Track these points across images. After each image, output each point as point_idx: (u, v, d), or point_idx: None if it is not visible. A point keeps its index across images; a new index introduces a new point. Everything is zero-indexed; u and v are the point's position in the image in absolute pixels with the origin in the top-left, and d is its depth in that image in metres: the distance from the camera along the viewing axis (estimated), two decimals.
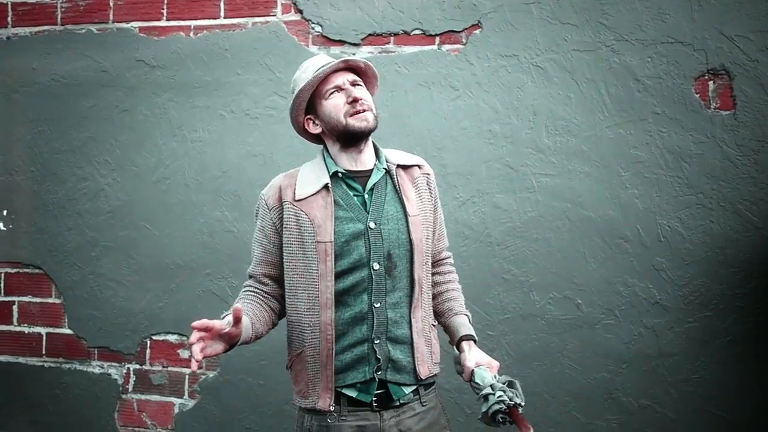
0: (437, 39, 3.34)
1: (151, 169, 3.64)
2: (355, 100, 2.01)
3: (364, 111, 2.02)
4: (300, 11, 3.48)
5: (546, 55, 3.24)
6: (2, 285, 3.84)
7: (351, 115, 2.01)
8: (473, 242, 3.29)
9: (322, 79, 2.05)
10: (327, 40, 3.45)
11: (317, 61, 2.09)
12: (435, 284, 2.23)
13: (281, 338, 3.38)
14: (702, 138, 3.10)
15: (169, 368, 3.63)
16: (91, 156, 3.71)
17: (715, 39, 3.09)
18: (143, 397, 3.67)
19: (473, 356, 2.05)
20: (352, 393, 1.98)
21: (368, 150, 2.10)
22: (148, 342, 3.65)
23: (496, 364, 2.04)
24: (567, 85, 3.22)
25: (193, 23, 3.60)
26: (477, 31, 3.30)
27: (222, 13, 3.57)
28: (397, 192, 2.06)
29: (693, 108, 3.11)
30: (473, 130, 3.31)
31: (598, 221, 3.20)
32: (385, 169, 2.09)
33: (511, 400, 1.85)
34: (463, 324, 2.16)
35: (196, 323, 1.73)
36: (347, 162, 2.07)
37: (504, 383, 1.92)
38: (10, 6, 3.81)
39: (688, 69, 3.12)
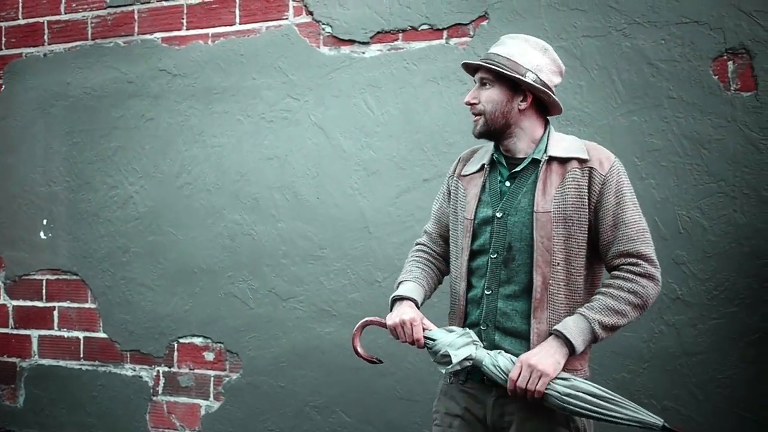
0: (445, 33, 3.28)
1: (175, 175, 3.72)
2: (467, 104, 2.03)
3: (475, 119, 2.01)
4: (311, 13, 3.49)
5: (555, 42, 3.09)
6: (44, 291, 4.01)
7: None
8: None
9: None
10: (337, 40, 3.44)
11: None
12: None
13: (297, 342, 3.43)
14: (722, 122, 2.91)
15: (195, 370, 3.69)
16: (120, 165, 3.83)
17: (733, 16, 2.90)
18: (172, 399, 3.75)
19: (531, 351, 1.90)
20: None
21: (519, 138, 2.01)
22: (176, 345, 3.73)
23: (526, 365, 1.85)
24: (577, 73, 3.10)
25: (210, 31, 3.67)
26: (484, 23, 3.22)
27: (237, 20, 3.62)
28: (536, 184, 1.96)
29: (711, 91, 2.93)
30: None
31: None
32: (535, 159, 1.99)
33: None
34: (563, 321, 1.91)
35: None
36: (501, 147, 2.05)
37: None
38: (46, 24, 3.99)
39: (704, 50, 2.94)
